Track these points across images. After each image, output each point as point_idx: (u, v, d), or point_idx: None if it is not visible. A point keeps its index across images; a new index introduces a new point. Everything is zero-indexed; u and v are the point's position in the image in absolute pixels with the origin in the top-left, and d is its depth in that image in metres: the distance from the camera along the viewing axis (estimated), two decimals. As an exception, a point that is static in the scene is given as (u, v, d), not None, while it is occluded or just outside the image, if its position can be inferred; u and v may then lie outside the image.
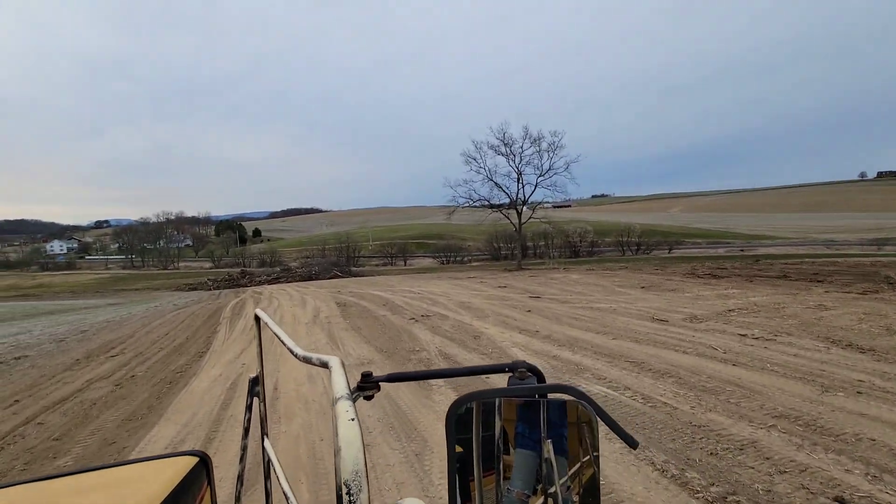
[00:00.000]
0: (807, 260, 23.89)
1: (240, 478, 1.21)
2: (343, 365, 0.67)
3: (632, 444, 0.67)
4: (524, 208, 33.64)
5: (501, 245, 68.41)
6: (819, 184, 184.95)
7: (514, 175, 33.21)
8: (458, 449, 0.64)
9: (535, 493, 0.64)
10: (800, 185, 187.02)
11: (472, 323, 9.50)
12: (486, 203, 34.02)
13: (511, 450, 0.66)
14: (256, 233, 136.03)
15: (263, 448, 1.18)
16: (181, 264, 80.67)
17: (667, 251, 62.47)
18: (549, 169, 32.36)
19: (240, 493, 1.20)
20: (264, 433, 1.25)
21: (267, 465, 1.18)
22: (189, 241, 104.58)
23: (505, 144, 32.31)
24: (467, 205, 34.20)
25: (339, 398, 0.56)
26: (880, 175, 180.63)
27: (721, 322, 8.17)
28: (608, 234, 66.56)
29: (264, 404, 1.25)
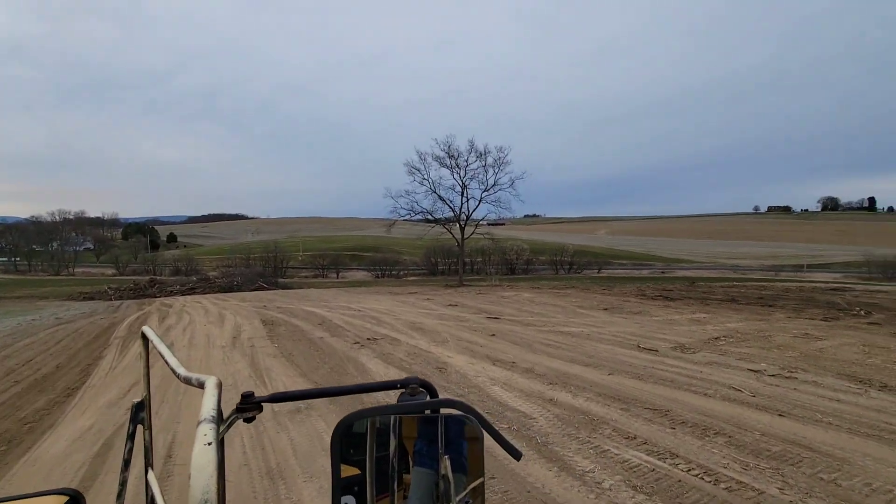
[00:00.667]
0: (742, 283, 25.20)
1: None
2: (220, 386, 0.63)
3: (515, 455, 0.68)
4: (467, 223, 32.93)
5: (439, 260, 67.76)
6: (720, 214, 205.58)
7: (459, 188, 32.48)
8: (354, 471, 0.62)
9: None
10: (705, 215, 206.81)
11: (431, 350, 8.15)
12: (429, 216, 32.93)
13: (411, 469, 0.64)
14: (171, 238, 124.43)
15: (147, 482, 1.05)
16: (78, 270, 70.98)
17: (596, 271, 65.17)
18: (495, 184, 32.00)
19: None
20: (148, 464, 1.09)
21: (150, 501, 1.04)
22: (90, 245, 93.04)
23: (450, 157, 31.56)
24: (408, 217, 32.88)
25: (202, 420, 0.53)
26: (770, 209, 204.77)
27: (715, 353, 7.50)
28: (542, 253, 68.27)
29: (149, 432, 1.11)
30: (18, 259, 75.72)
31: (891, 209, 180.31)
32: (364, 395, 4.62)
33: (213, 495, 0.43)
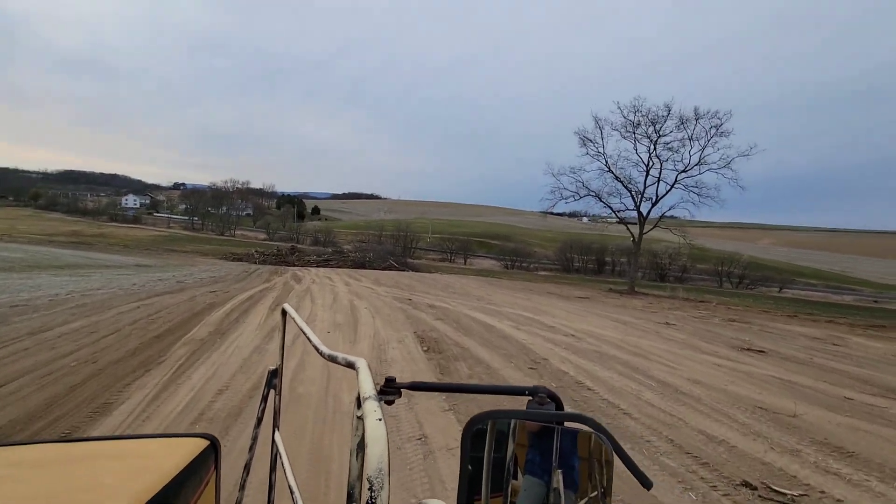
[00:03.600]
0: None
1: (247, 467, 1.18)
2: (370, 367, 0.66)
3: (646, 484, 0.65)
4: (649, 214, 26.28)
5: (575, 256, 61.12)
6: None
7: (643, 167, 25.90)
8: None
9: None
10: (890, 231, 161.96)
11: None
12: (599, 199, 26.82)
13: (520, 475, 0.65)
14: (315, 210, 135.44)
15: (273, 440, 1.16)
16: (238, 232, 79.50)
17: (777, 289, 52.51)
18: (700, 162, 24.72)
19: (245, 481, 1.19)
20: (276, 426, 1.20)
21: (274, 457, 1.16)
22: (249, 211, 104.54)
23: (634, 125, 25.06)
24: (573, 198, 27.35)
25: (367, 398, 0.57)
26: None
27: None
28: (703, 260, 57.38)
29: (279, 397, 1.20)
30: (196, 219, 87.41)
31: None
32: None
33: (385, 465, 0.46)
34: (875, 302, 49.62)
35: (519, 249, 62.98)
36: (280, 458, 1.07)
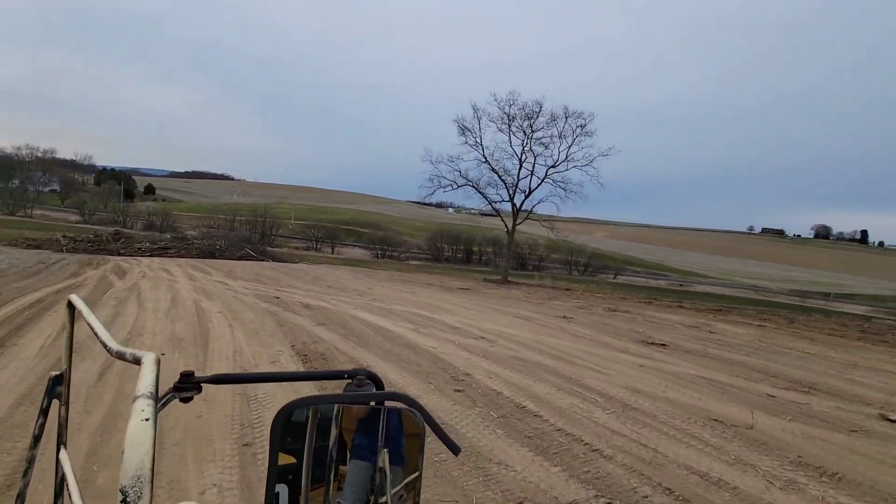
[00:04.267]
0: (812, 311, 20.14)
1: (21, 496, 0.97)
2: (158, 362, 0.59)
3: (454, 450, 0.68)
4: (522, 206, 26.98)
5: (444, 246, 62.15)
6: (717, 230, 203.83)
7: (517, 160, 26.37)
8: (290, 460, 0.60)
9: None
10: (701, 229, 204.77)
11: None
12: (476, 189, 26.74)
13: (350, 461, 0.64)
14: (149, 189, 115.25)
15: (58, 461, 0.98)
16: (38, 212, 62.90)
17: (612, 276, 60.48)
18: (567, 159, 25.95)
19: None
20: (61, 443, 1.01)
21: (60, 483, 0.97)
22: (56, 187, 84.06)
23: (509, 118, 25.35)
24: (451, 188, 26.84)
25: (138, 396, 0.51)
26: (764, 230, 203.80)
27: None
28: (556, 250, 63.34)
29: (66, 408, 1.03)
30: (-30, 194, 66.88)
31: (881, 244, 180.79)
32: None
33: (146, 472, 0.41)
34: (680, 285, 60.83)
35: (389, 238, 61.56)
36: (66, 483, 0.89)
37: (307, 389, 3.86)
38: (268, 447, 0.58)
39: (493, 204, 27.55)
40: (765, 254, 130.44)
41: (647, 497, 3.09)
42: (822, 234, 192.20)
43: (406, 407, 0.65)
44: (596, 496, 3.04)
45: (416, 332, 7.50)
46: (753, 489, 3.29)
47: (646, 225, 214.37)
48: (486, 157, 26.48)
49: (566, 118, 24.78)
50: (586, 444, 3.84)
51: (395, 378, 5.12)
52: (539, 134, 25.69)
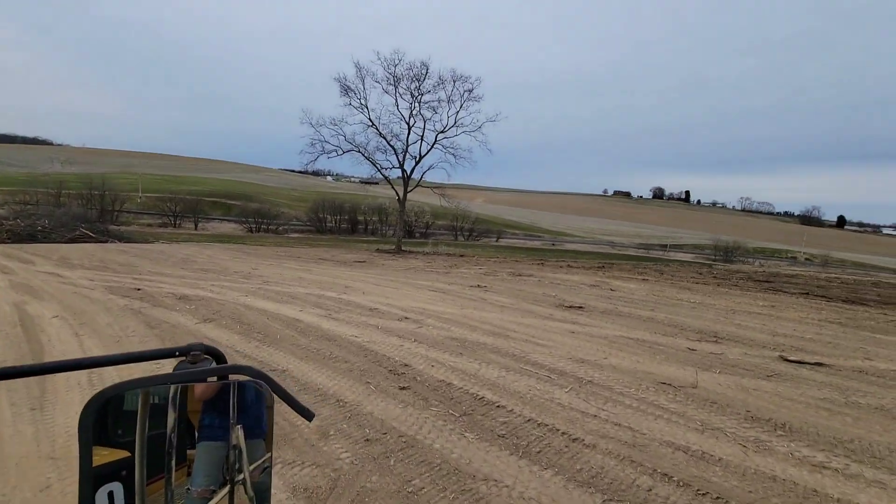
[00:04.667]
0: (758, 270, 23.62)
1: None
2: None
3: (308, 416, 0.66)
4: (412, 173, 26.12)
5: (327, 216, 59.05)
6: (576, 193, 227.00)
7: (405, 125, 25.27)
8: (123, 454, 0.53)
9: (223, 485, 0.59)
10: (563, 192, 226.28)
11: None
12: (363, 155, 25.17)
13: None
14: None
15: None
16: None
17: (495, 239, 63.83)
18: (455, 124, 25.49)
19: None
20: None
21: None
22: None
23: (395, 80, 23.98)
24: (335, 154, 24.86)
25: None
26: (615, 193, 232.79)
27: None
28: (442, 217, 64.37)
29: None
30: None
31: (699, 202, 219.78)
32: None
33: None
34: (553, 244, 66.73)
35: (264, 210, 56.36)
36: None
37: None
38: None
39: (382, 171, 26.34)
40: (616, 213, 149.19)
41: (651, 490, 2.79)
42: (658, 194, 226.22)
43: (250, 379, 0.62)
44: (605, 501, 2.64)
45: (329, 319, 6.49)
46: (734, 457, 3.21)
47: (519, 190, 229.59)
48: (372, 121, 25.01)
49: (454, 82, 24.34)
50: (563, 433, 3.45)
51: (325, 382, 4.21)
52: (427, 97, 24.91)
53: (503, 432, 3.43)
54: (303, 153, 24.98)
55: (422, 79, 24.48)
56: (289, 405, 0.64)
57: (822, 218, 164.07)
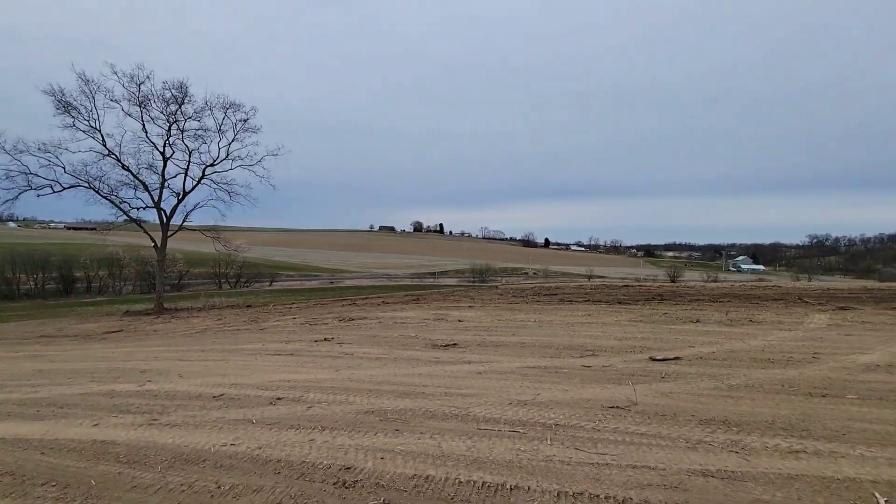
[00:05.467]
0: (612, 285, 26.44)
1: None
2: None
3: None
4: (172, 214, 21.18)
5: (22, 275, 43.27)
6: (345, 230, 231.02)
7: (160, 155, 20.32)
8: None
9: None
10: (334, 230, 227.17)
11: None
12: (97, 192, 19.07)
13: None
14: None
15: None
16: None
17: (268, 283, 58.76)
18: (228, 157, 21.80)
19: None
20: None
21: None
22: None
23: (140, 100, 19.16)
24: (49, 191, 18.12)
25: None
26: (381, 227, 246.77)
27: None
28: (199, 265, 55.16)
29: None
30: None
31: (450, 232, 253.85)
32: None
33: None
34: (332, 282, 65.24)
35: None
36: None
37: None
38: None
39: (128, 213, 20.80)
40: (384, 246, 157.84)
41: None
42: (418, 227, 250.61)
43: None
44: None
45: (163, 429, 4.21)
46: (734, 465, 3.27)
47: (284, 229, 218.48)
48: (110, 150, 19.52)
49: (225, 110, 21.30)
50: (595, 496, 2.91)
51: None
52: (192, 125, 21.05)
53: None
54: (-6, 191, 17.52)
55: (180, 102, 20.55)
56: None
57: (536, 241, 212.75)
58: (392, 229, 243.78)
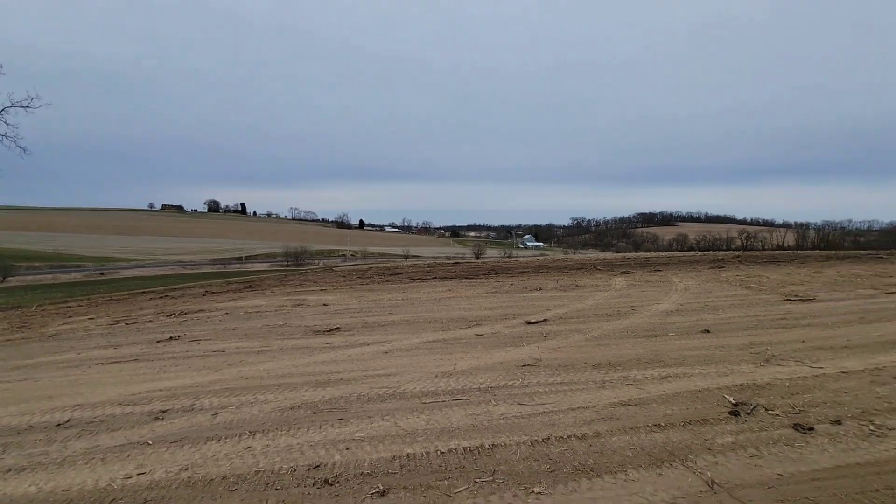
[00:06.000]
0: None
1: None
2: None
3: None
4: None
5: None
6: (113, 209, 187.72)
7: None
8: None
9: None
10: (94, 209, 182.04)
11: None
12: None
13: None
14: None
15: None
16: None
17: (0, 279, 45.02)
18: None
19: None
20: None
21: None
22: None
23: None
24: None
25: None
26: (164, 207, 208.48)
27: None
28: None
29: None
30: None
31: (255, 213, 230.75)
32: None
33: None
34: (101, 274, 53.04)
35: None
36: None
37: None
38: None
39: None
40: (172, 229, 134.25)
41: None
42: (214, 207, 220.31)
43: None
44: None
45: (10, 478, 2.97)
46: (636, 394, 4.13)
47: (23, 207, 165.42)
48: None
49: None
50: (560, 437, 3.34)
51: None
52: None
53: None
54: None
55: None
56: None
57: (351, 222, 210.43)
58: (180, 208, 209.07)
